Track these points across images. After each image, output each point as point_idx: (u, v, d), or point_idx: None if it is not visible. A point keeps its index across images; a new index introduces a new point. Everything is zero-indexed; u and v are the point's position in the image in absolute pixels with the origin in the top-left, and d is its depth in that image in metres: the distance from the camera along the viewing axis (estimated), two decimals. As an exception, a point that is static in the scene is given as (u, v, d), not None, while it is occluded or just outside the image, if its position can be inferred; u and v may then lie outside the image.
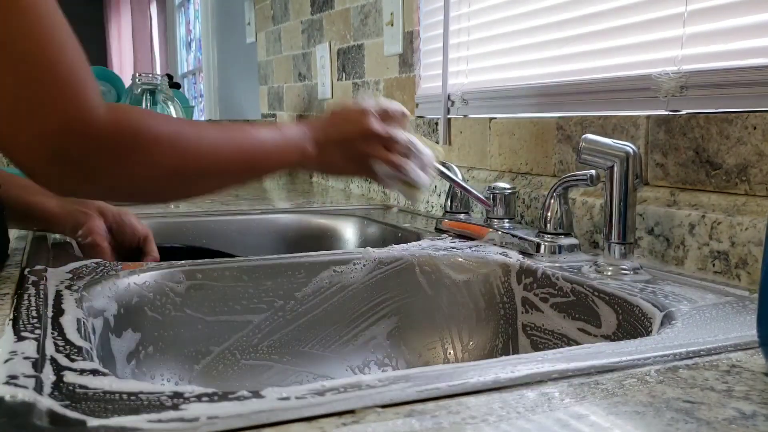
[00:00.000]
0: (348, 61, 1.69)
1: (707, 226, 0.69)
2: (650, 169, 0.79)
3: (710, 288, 0.65)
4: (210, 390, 0.38)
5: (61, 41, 0.51)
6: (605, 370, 0.43)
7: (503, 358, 0.45)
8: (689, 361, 0.45)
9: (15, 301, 0.59)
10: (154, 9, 6.28)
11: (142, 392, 0.39)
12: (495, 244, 0.88)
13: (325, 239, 1.20)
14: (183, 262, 0.77)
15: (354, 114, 0.75)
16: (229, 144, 0.65)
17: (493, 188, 0.92)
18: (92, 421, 0.35)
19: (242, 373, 0.76)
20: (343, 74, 1.72)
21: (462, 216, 0.99)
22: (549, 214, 0.81)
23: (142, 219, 1.13)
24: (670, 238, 0.74)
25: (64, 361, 0.44)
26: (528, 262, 0.78)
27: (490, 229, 0.90)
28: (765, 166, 0.66)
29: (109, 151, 0.54)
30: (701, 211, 0.71)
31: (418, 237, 0.99)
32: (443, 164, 1.00)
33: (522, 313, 0.78)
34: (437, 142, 1.25)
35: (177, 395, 0.38)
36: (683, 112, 0.75)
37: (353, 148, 0.74)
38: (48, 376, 0.41)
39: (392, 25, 1.42)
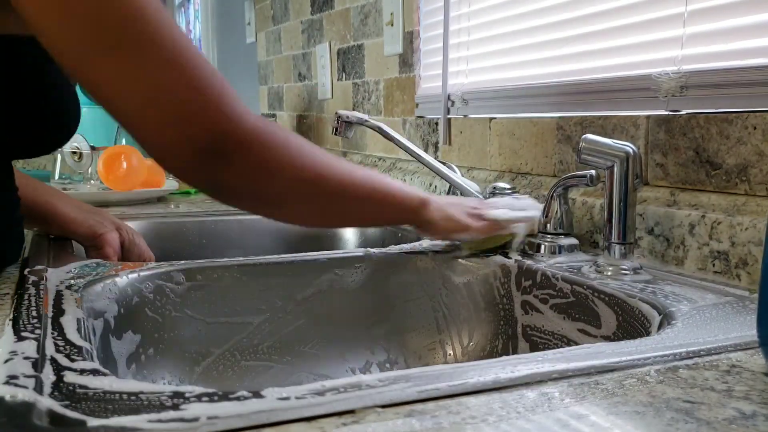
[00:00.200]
0: (348, 61, 1.69)
1: (707, 226, 0.69)
2: (650, 169, 0.79)
3: (710, 288, 0.65)
4: (210, 390, 0.38)
5: (196, 50, 0.57)
6: (605, 370, 0.43)
7: (503, 358, 0.45)
8: (689, 361, 0.45)
9: (15, 301, 0.59)
10: (154, 9, 6.25)
11: (142, 392, 0.39)
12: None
13: (325, 239, 1.20)
14: (183, 261, 0.77)
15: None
16: (358, 171, 0.70)
17: (493, 188, 0.92)
18: (92, 421, 0.35)
19: (242, 373, 0.76)
20: (343, 74, 1.72)
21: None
22: (549, 214, 0.81)
23: (144, 218, 1.13)
24: (670, 238, 0.74)
25: (64, 361, 0.44)
26: (528, 262, 0.78)
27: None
28: (765, 166, 0.66)
29: (254, 150, 0.59)
30: (701, 211, 0.71)
31: (418, 237, 0.99)
32: (443, 163, 1.01)
33: (522, 314, 0.78)
34: (437, 143, 1.25)
35: (177, 395, 0.38)
36: (683, 112, 0.75)
37: (464, 205, 0.80)
38: (48, 376, 0.41)
39: (392, 25, 1.42)
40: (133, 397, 0.38)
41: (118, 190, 1.38)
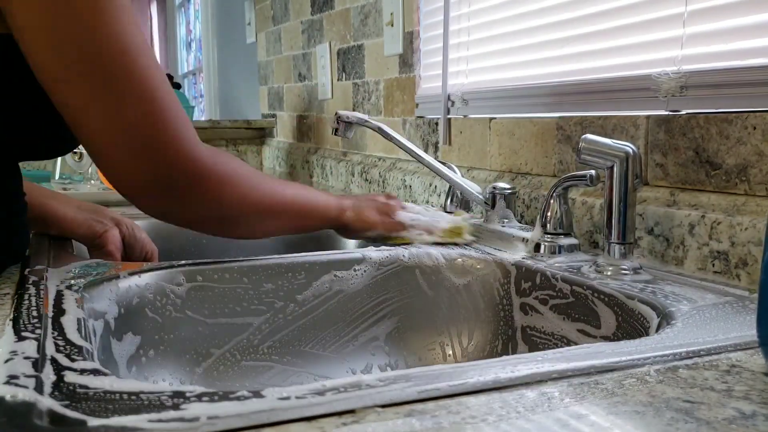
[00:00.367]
0: (348, 61, 1.69)
1: (707, 226, 0.69)
2: (650, 169, 0.79)
3: (710, 288, 0.65)
4: (210, 390, 0.38)
5: (168, 86, 0.61)
6: (605, 370, 0.43)
7: (503, 358, 0.45)
8: (689, 361, 0.45)
9: (15, 301, 0.59)
10: (154, 9, 6.27)
11: (142, 392, 0.39)
12: (494, 245, 0.88)
13: (325, 239, 1.20)
14: (183, 262, 0.77)
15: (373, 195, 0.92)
16: (288, 190, 0.78)
17: (493, 188, 0.92)
18: (93, 421, 0.35)
19: (243, 373, 0.76)
20: (343, 74, 1.72)
21: (462, 216, 0.99)
22: (549, 214, 0.81)
23: (144, 218, 1.13)
24: (670, 238, 0.74)
25: (64, 360, 0.44)
26: (528, 262, 0.78)
27: (490, 230, 0.90)
28: (765, 166, 0.66)
29: (206, 183, 0.65)
30: (701, 211, 0.71)
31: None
32: (443, 164, 1.01)
33: (521, 315, 0.78)
34: (437, 143, 1.26)
35: (177, 395, 0.38)
36: (683, 112, 0.75)
37: (377, 202, 0.88)
38: (48, 375, 0.41)
39: (392, 25, 1.43)
40: (133, 397, 0.38)
41: (118, 190, 1.38)
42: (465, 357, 0.82)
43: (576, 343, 0.69)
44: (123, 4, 0.58)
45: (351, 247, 1.19)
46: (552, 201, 0.81)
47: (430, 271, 0.84)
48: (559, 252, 0.80)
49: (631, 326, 0.62)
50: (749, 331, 0.51)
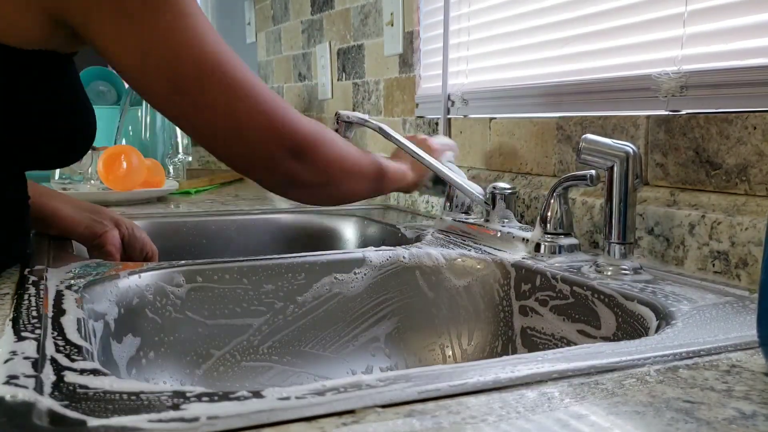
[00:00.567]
0: (348, 61, 1.69)
1: (707, 226, 0.69)
2: (650, 169, 0.79)
3: (710, 288, 0.65)
4: (210, 390, 0.38)
5: (258, 79, 0.69)
6: (605, 370, 0.43)
7: (503, 358, 0.45)
8: (689, 361, 0.45)
9: (15, 301, 0.59)
10: (154, 9, 6.25)
11: (142, 392, 0.39)
12: (494, 245, 0.88)
13: (325, 239, 1.20)
14: (183, 262, 0.77)
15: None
16: (369, 156, 0.87)
17: (493, 188, 0.92)
18: (92, 421, 0.35)
19: (243, 374, 0.76)
20: (343, 74, 1.72)
21: (462, 216, 0.99)
22: (549, 214, 0.81)
23: (144, 218, 1.13)
24: (670, 238, 0.74)
25: (64, 361, 0.44)
26: (528, 262, 0.78)
27: (490, 230, 0.90)
28: (765, 166, 0.66)
29: (316, 149, 0.73)
30: (701, 211, 0.71)
31: (418, 237, 0.99)
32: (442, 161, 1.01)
33: (521, 316, 0.78)
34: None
35: (177, 395, 0.38)
36: (683, 112, 0.75)
37: (419, 142, 0.97)
38: (48, 376, 0.41)
39: (392, 25, 1.42)
40: (133, 397, 0.38)
41: (118, 190, 1.38)
42: (465, 358, 0.82)
43: (576, 344, 0.69)
44: (202, 17, 0.65)
45: (351, 247, 1.19)
46: (552, 201, 0.81)
47: (429, 272, 0.84)
48: (560, 252, 0.80)
49: (631, 326, 0.62)
50: (749, 331, 0.51)
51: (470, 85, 1.18)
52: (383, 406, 0.37)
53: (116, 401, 0.38)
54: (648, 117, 0.79)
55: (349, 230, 1.21)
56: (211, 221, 1.19)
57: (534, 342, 0.76)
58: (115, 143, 1.71)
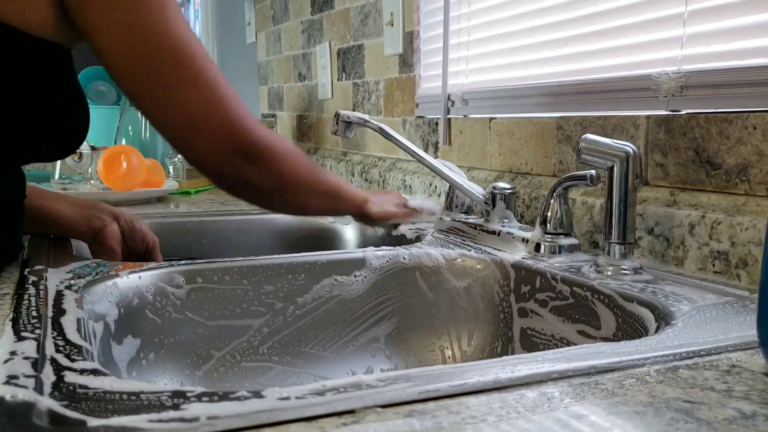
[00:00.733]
0: (348, 61, 1.69)
1: (707, 226, 0.69)
2: (650, 169, 0.79)
3: (710, 288, 0.65)
4: (210, 390, 0.38)
5: (222, 77, 0.72)
6: (605, 370, 0.43)
7: (503, 358, 0.45)
8: (689, 361, 0.45)
9: (15, 301, 0.59)
10: (154, 9, 6.26)
11: (142, 392, 0.39)
12: (494, 245, 0.88)
13: (325, 239, 1.20)
14: (183, 261, 0.77)
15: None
16: (327, 174, 0.89)
17: (493, 188, 0.92)
18: (92, 421, 0.35)
19: (243, 375, 0.76)
20: (343, 74, 1.72)
21: (462, 216, 0.99)
22: (549, 214, 0.81)
23: (144, 218, 1.13)
24: (670, 238, 0.74)
25: (64, 361, 0.44)
26: (528, 262, 0.78)
27: (490, 230, 0.90)
28: (765, 166, 0.66)
29: (267, 155, 0.74)
30: (701, 211, 0.71)
31: (418, 237, 0.99)
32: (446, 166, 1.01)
33: (521, 317, 0.78)
34: (437, 143, 1.26)
35: (177, 395, 0.38)
36: (683, 112, 0.75)
37: (395, 197, 0.98)
38: (48, 376, 0.41)
39: (392, 25, 1.42)
40: (133, 397, 0.38)
41: (118, 190, 1.38)
42: (465, 359, 0.82)
43: (576, 345, 0.69)
44: (180, 13, 0.69)
45: (351, 247, 1.19)
46: (552, 201, 0.81)
47: (429, 272, 0.84)
48: (560, 252, 0.80)
49: (631, 327, 0.62)
50: (749, 331, 0.51)
51: (470, 85, 1.18)
52: (383, 406, 0.37)
53: (116, 401, 0.38)
54: (648, 117, 0.79)
55: (349, 230, 1.21)
56: (211, 221, 1.19)
57: (534, 343, 0.76)
58: (115, 143, 1.71)
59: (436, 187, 1.20)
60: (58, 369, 0.43)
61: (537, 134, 0.98)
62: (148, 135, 1.92)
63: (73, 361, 0.44)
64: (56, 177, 1.60)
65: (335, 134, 1.02)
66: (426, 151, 1.28)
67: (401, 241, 1.03)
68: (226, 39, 3.34)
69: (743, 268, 0.66)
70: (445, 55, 1.21)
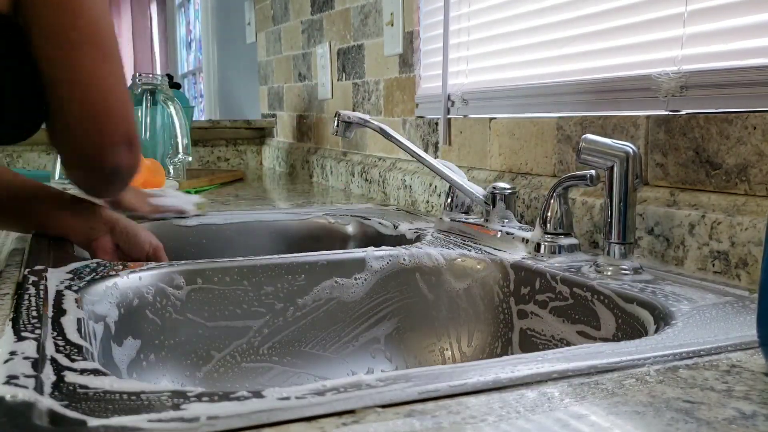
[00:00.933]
0: (348, 61, 1.69)
1: (707, 226, 0.69)
2: (650, 169, 0.79)
3: (710, 288, 0.65)
4: (210, 390, 0.38)
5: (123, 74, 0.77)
6: (605, 370, 0.43)
7: (503, 358, 0.45)
8: (689, 361, 0.45)
9: (15, 301, 0.59)
10: (154, 9, 6.28)
11: (142, 392, 0.39)
12: (494, 245, 0.88)
13: (325, 239, 1.20)
14: (183, 261, 0.77)
15: None
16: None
17: (493, 188, 0.92)
18: (92, 421, 0.35)
19: (243, 375, 0.76)
20: (343, 74, 1.72)
21: (462, 216, 0.99)
22: (549, 214, 0.81)
23: (145, 219, 1.13)
24: (670, 238, 0.74)
25: (64, 361, 0.44)
26: (528, 262, 0.78)
27: (490, 230, 0.90)
28: (765, 166, 0.66)
29: (135, 139, 0.78)
30: (701, 211, 0.71)
31: (418, 237, 0.99)
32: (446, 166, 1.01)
33: (521, 317, 0.78)
34: (437, 143, 1.26)
35: (177, 395, 0.38)
36: (683, 112, 0.75)
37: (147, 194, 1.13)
38: (48, 376, 0.41)
39: (392, 25, 1.43)
40: (133, 397, 0.38)
41: (118, 190, 1.38)
42: (464, 359, 0.82)
43: (576, 344, 0.69)
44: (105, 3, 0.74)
45: (351, 248, 1.19)
46: (552, 201, 0.81)
47: (429, 272, 0.84)
48: (560, 252, 0.80)
49: (631, 327, 0.62)
50: (749, 331, 0.51)
51: (470, 85, 1.18)
52: (383, 406, 0.38)
53: (116, 401, 0.38)
54: (648, 117, 0.79)
55: (349, 230, 1.21)
56: (211, 221, 1.19)
57: (534, 343, 0.76)
58: (115, 143, 1.70)
59: (436, 187, 1.20)
60: (59, 369, 0.43)
61: (537, 134, 0.98)
62: (148, 135, 1.92)
63: (73, 361, 0.44)
64: (56, 177, 1.60)
65: (335, 134, 1.02)
66: (426, 151, 1.28)
67: (401, 241, 1.03)
68: (226, 39, 3.34)
69: (743, 268, 0.66)
70: (445, 55, 1.21)
